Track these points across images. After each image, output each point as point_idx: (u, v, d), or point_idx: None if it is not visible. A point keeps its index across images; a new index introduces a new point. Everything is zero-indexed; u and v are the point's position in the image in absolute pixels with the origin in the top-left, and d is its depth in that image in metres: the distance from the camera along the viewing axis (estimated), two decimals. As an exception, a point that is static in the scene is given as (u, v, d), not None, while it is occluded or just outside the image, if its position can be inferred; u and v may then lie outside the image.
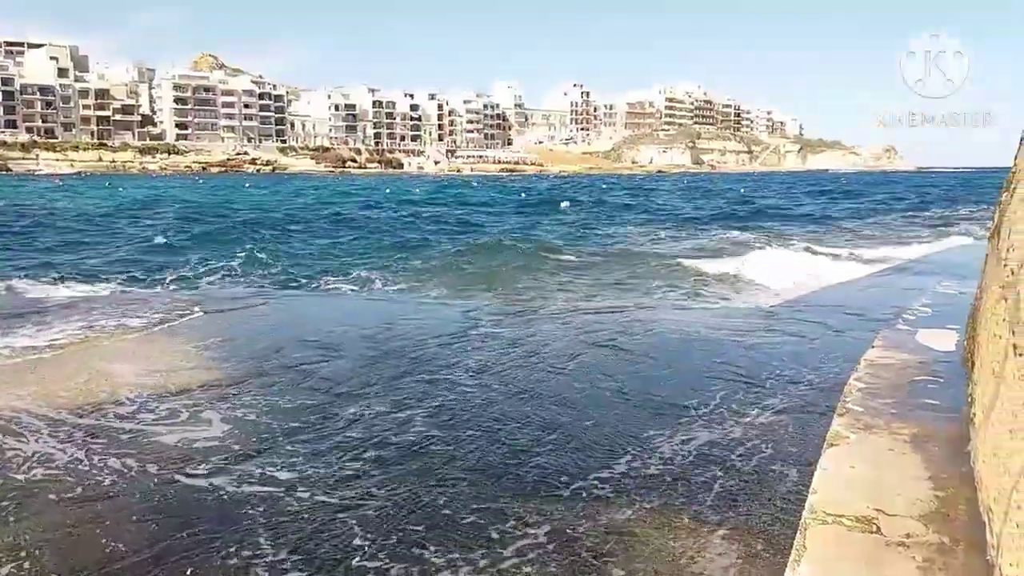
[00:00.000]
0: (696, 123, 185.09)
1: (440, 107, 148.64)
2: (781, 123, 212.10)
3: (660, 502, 4.31)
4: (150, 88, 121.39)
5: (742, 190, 65.55)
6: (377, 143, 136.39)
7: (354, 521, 4.12)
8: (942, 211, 36.80)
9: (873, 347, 5.13)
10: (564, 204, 42.66)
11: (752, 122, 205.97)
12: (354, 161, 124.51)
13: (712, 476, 4.65)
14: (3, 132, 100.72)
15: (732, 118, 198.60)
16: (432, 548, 3.86)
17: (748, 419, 5.64)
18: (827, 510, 2.85)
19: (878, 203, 44.51)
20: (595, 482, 4.60)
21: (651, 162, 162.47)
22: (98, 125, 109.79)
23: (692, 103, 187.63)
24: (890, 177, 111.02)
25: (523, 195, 55.48)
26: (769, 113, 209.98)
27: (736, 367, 7.10)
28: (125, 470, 4.78)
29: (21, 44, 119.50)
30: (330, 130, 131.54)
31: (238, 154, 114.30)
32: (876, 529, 2.72)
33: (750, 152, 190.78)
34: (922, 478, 3.13)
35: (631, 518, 4.13)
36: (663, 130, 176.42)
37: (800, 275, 14.44)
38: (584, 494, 4.43)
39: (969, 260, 14.69)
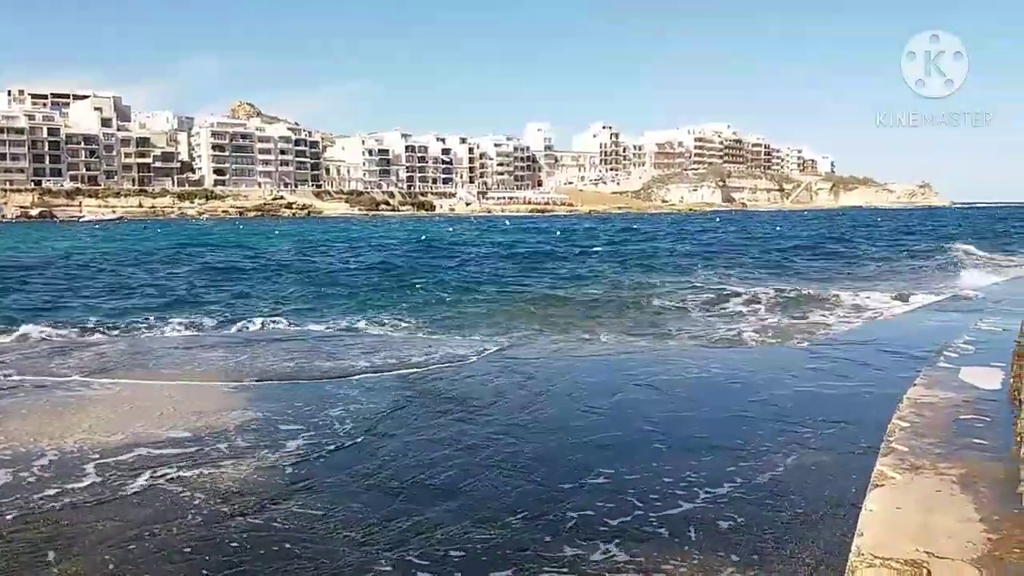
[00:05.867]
0: (726, 162, 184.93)
1: (471, 150, 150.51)
2: (812, 161, 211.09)
3: (700, 545, 4.24)
4: (189, 136, 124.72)
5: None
6: (410, 186, 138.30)
7: (393, 561, 4.12)
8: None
9: (916, 385, 5.05)
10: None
11: (782, 160, 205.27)
12: (387, 204, 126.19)
13: (754, 518, 4.56)
14: (49, 180, 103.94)
15: (762, 157, 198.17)
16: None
17: (789, 459, 5.54)
18: (875, 553, 2.79)
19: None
20: (634, 525, 4.54)
21: (681, 201, 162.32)
22: (139, 172, 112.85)
23: (721, 142, 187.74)
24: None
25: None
26: (799, 151, 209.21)
27: (775, 406, 7.01)
28: (168, 508, 4.84)
29: (67, 96, 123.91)
30: (364, 174, 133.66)
31: (274, 199, 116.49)
32: (927, 573, 2.67)
33: (781, 190, 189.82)
34: (973, 520, 3.06)
35: (671, 563, 4.06)
36: (692, 169, 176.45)
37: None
38: (623, 537, 4.38)
39: (1011, 295, 14.39)
